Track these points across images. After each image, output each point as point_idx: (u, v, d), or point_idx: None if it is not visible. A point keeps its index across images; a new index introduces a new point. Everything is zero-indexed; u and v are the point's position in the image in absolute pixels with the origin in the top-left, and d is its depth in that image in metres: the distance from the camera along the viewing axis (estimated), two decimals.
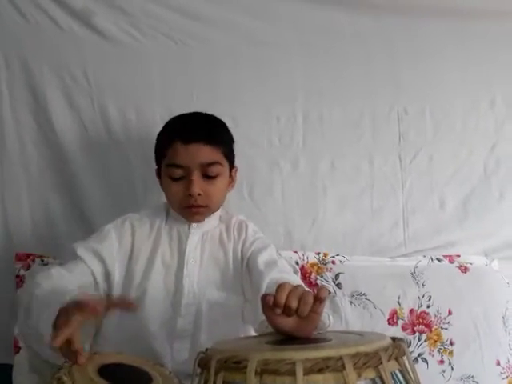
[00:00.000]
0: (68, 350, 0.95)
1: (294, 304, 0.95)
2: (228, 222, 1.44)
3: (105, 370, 0.94)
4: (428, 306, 1.62)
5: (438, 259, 1.73)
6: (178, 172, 1.33)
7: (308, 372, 0.80)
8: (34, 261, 1.61)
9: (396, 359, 0.87)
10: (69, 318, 0.96)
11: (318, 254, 1.70)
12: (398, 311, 1.61)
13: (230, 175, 1.42)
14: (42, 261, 1.61)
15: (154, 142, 1.43)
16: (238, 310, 1.34)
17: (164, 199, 1.42)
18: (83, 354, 0.95)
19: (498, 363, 1.59)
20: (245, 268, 1.36)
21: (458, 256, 1.75)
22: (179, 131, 1.35)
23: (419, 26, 1.79)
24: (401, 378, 0.87)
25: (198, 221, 1.39)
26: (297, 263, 1.65)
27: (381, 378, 0.83)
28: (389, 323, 1.60)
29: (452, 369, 1.58)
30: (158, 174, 1.42)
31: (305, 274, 1.64)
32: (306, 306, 0.95)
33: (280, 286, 0.98)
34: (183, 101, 1.69)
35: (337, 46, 1.78)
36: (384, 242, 1.77)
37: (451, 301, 1.63)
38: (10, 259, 1.64)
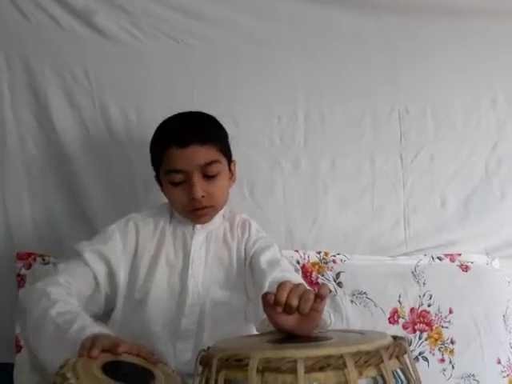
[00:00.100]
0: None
1: (294, 302, 0.95)
2: (232, 220, 1.44)
3: (108, 367, 0.94)
4: (429, 305, 1.62)
5: (439, 258, 1.73)
6: (178, 177, 1.32)
7: (309, 370, 0.80)
8: (35, 260, 1.61)
9: (397, 358, 0.87)
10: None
11: (319, 253, 1.70)
12: (399, 310, 1.61)
13: (230, 170, 1.41)
14: (43, 260, 1.61)
15: None
16: (241, 309, 1.34)
17: (165, 199, 1.42)
18: (97, 347, 0.97)
19: (499, 362, 1.59)
20: (247, 267, 1.36)
21: (459, 255, 1.75)
22: (172, 136, 1.32)
23: (419, 25, 1.79)
24: (402, 377, 0.87)
25: (205, 222, 1.39)
26: (298, 262, 1.65)
27: (382, 376, 0.83)
28: (389, 322, 1.60)
29: (453, 367, 1.58)
30: (158, 180, 1.41)
31: (306, 273, 1.64)
32: (307, 304, 0.95)
33: (281, 285, 0.98)
34: (184, 100, 1.69)
35: (337, 46, 1.78)
36: (385, 241, 1.78)
37: (452, 299, 1.63)
38: (11, 258, 1.64)
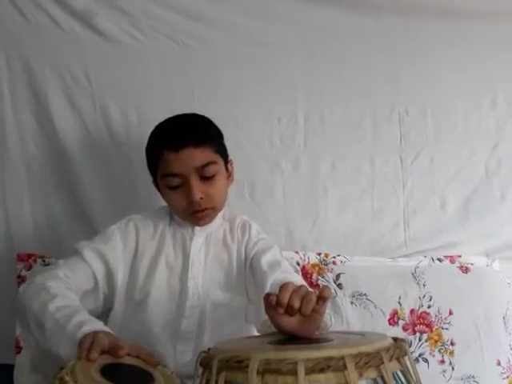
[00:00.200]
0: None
1: (296, 304, 0.95)
2: (232, 222, 1.44)
3: (107, 370, 0.94)
4: (429, 306, 1.62)
5: (439, 259, 1.73)
6: (175, 180, 1.32)
7: (310, 372, 0.80)
8: (35, 261, 1.61)
9: (397, 359, 0.87)
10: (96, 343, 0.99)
11: (319, 254, 1.70)
12: (399, 311, 1.61)
13: (227, 170, 1.41)
14: (44, 261, 1.61)
15: None
16: (242, 310, 1.34)
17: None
18: (96, 349, 0.97)
19: (499, 363, 1.59)
20: (248, 268, 1.36)
21: (459, 256, 1.75)
22: (166, 140, 1.32)
23: (419, 26, 1.79)
24: (402, 378, 0.87)
25: (206, 224, 1.38)
26: (298, 264, 1.65)
27: (382, 377, 0.83)
28: (390, 323, 1.60)
29: (453, 369, 1.58)
30: (156, 184, 1.41)
31: (306, 275, 1.64)
32: (309, 305, 0.95)
33: (283, 286, 0.98)
34: (184, 101, 1.69)
35: (337, 46, 1.78)
36: (385, 243, 1.78)
37: (452, 301, 1.63)
38: (12, 259, 1.64)
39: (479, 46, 1.80)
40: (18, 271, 1.61)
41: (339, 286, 1.64)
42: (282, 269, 1.30)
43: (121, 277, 1.34)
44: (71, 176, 1.72)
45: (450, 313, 1.62)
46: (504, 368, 1.59)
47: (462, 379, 1.57)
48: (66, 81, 1.71)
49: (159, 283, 1.33)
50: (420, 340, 1.60)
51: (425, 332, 1.60)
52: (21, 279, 1.60)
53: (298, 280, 1.28)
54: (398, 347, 0.88)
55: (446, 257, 1.74)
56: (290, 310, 0.96)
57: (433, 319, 1.61)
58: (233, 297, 1.34)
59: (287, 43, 1.77)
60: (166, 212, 1.43)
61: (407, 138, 1.80)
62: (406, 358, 0.89)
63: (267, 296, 0.98)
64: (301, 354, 0.82)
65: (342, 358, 0.81)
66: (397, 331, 1.57)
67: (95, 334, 1.02)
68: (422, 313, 1.62)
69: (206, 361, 0.90)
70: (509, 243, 1.79)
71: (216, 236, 1.41)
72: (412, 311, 1.62)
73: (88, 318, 1.11)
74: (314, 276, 1.65)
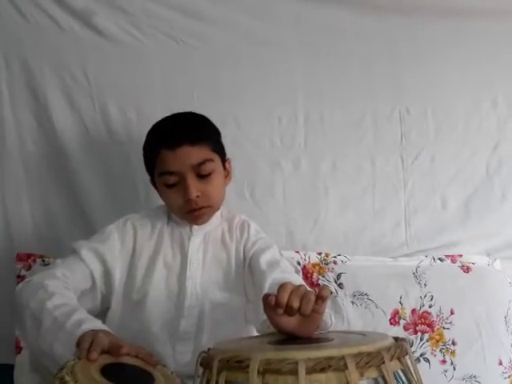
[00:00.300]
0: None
1: (295, 304, 0.95)
2: (230, 221, 1.43)
3: (107, 370, 0.94)
4: (430, 306, 1.62)
5: (440, 259, 1.73)
6: (172, 179, 1.32)
7: (310, 371, 0.79)
8: (34, 261, 1.61)
9: (398, 359, 0.86)
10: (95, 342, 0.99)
11: (320, 254, 1.69)
12: (400, 311, 1.61)
13: (225, 168, 1.40)
14: (43, 261, 1.61)
15: None
16: (241, 310, 1.33)
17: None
18: (96, 349, 0.96)
19: (500, 363, 1.59)
20: (247, 268, 1.35)
21: (460, 256, 1.75)
22: (163, 138, 1.32)
23: (421, 26, 1.78)
24: (403, 378, 0.87)
25: (203, 222, 1.38)
26: (298, 263, 1.65)
27: (383, 377, 0.82)
28: (391, 323, 1.60)
29: (454, 368, 1.57)
30: (153, 183, 1.40)
31: (306, 274, 1.64)
32: (308, 305, 0.95)
33: (282, 286, 0.97)
34: (184, 100, 1.69)
35: (338, 46, 1.78)
36: (386, 242, 1.77)
37: (453, 301, 1.63)
38: (11, 258, 1.64)
39: (481, 46, 1.80)
40: (17, 271, 1.61)
41: (340, 285, 1.63)
42: (281, 268, 1.29)
43: (118, 276, 1.33)
44: (70, 174, 1.71)
45: (452, 312, 1.61)
46: (506, 368, 1.59)
47: (464, 379, 1.57)
48: (65, 80, 1.71)
49: (157, 283, 1.33)
50: (421, 340, 1.59)
51: (426, 332, 1.60)
52: (20, 279, 1.59)
53: (297, 279, 1.27)
54: (399, 347, 0.87)
55: (447, 256, 1.74)
56: (289, 310, 0.96)
57: (434, 319, 1.61)
58: (231, 296, 1.34)
59: (288, 42, 1.77)
60: (164, 211, 1.43)
61: (408, 138, 1.79)
62: (407, 357, 0.89)
63: (266, 296, 0.98)
64: (301, 354, 0.82)
65: (343, 357, 0.81)
66: (398, 331, 1.57)
67: (95, 333, 1.02)
68: (423, 312, 1.61)
69: (206, 361, 0.89)
70: (510, 243, 1.79)
71: (214, 235, 1.40)
72: (413, 311, 1.61)
73: (87, 316, 1.11)
74: (315, 276, 1.65)
